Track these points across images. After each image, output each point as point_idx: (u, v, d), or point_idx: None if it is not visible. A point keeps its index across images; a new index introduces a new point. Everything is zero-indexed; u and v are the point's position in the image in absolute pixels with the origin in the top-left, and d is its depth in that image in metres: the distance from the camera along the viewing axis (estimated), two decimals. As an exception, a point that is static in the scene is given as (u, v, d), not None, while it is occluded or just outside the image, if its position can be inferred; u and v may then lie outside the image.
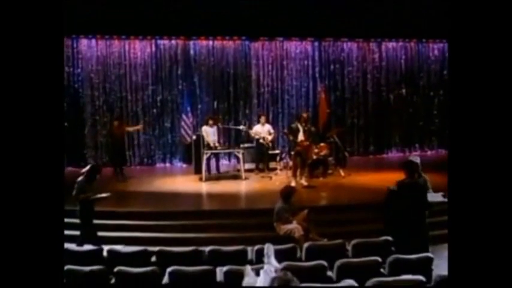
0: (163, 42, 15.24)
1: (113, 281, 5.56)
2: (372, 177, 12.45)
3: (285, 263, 5.45)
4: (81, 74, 14.71)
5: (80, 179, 8.12)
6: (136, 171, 14.50)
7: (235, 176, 12.71)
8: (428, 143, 16.92)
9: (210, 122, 13.00)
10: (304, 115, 11.92)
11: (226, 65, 15.62)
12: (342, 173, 12.59)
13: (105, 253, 6.41)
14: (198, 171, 12.83)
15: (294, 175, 11.55)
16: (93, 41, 14.78)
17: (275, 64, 16.02)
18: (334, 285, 4.69)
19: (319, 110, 15.22)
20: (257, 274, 4.42)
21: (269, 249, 4.93)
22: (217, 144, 12.82)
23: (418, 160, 8.19)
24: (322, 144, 12.78)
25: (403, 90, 16.73)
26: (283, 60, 16.07)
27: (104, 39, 14.81)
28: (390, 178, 12.27)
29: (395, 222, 7.49)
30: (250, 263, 5.93)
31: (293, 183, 11.22)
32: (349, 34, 16.03)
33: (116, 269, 5.48)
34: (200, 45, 15.48)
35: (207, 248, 6.31)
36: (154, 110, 15.24)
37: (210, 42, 15.51)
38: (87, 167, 8.46)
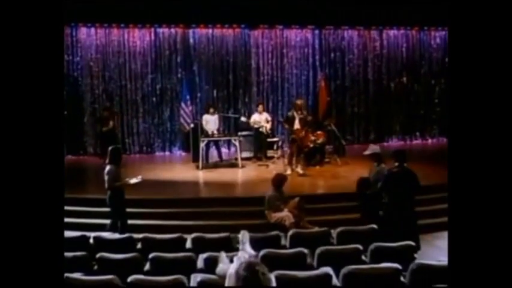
0: (163, 31, 15.21)
1: (95, 267, 5.62)
2: (370, 165, 12.38)
3: (265, 251, 5.49)
4: (80, 63, 14.74)
5: (108, 168, 7.87)
6: (135, 159, 14.59)
7: (232, 164, 12.74)
8: (430, 131, 16.85)
9: (211, 110, 13.07)
10: (298, 102, 11.93)
11: (225, 54, 15.57)
12: (339, 162, 12.57)
13: (91, 240, 6.48)
14: (195, 159, 12.87)
15: (290, 163, 11.57)
16: (92, 29, 14.78)
17: (275, 52, 15.95)
18: (303, 272, 4.70)
19: (319, 98, 15.17)
20: (231, 261, 4.44)
21: (244, 236, 4.94)
22: (215, 132, 12.85)
23: (378, 150, 8.39)
24: (319, 132, 12.76)
25: (404, 79, 16.64)
26: (283, 49, 15.99)
27: (103, 28, 14.81)
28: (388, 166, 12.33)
29: (386, 210, 7.53)
30: (235, 249, 5.98)
31: (288, 172, 11.26)
32: (350, 22, 15.93)
33: (97, 255, 5.54)
34: (200, 33, 15.44)
35: (191, 235, 6.36)
36: (154, 99, 15.26)
37: (210, 31, 15.46)
38: (109, 153, 8.10)
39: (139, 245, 6.38)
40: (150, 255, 5.48)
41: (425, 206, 9.31)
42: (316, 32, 16.16)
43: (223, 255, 4.67)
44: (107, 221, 8.67)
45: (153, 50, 15.15)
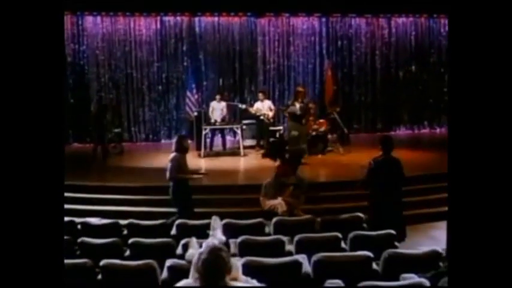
0: (169, 19, 15.24)
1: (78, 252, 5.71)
2: (373, 154, 12.30)
3: (243, 237, 5.52)
4: (86, 51, 14.87)
5: (172, 156, 7.52)
6: (141, 147, 14.74)
7: (234, 153, 12.77)
8: (438, 121, 16.62)
9: (217, 97, 13.11)
10: (300, 89, 11.90)
11: (231, 42, 15.57)
12: (341, 150, 12.51)
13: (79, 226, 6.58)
14: (199, 147, 12.91)
15: (290, 151, 11.55)
16: (98, 18, 14.87)
17: (281, 40, 15.89)
18: (273, 258, 4.71)
19: (325, 87, 15.11)
20: (201, 246, 4.48)
21: (215, 221, 5.00)
22: (218, 120, 12.86)
23: (297, 111, 8.59)
24: (321, 120, 12.74)
25: (413, 67, 16.44)
26: (289, 37, 15.92)
27: (109, 16, 14.90)
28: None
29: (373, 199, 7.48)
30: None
31: (289, 160, 11.26)
32: (358, 10, 15.75)
33: (79, 240, 5.62)
34: (205, 21, 15.44)
35: (176, 222, 6.41)
36: (160, 87, 15.35)
37: (216, 19, 15.45)
38: (175, 140, 7.83)
39: (125, 231, 6.46)
40: (130, 241, 5.55)
41: (430, 195, 9.28)
42: (323, 20, 16.04)
43: (193, 240, 4.73)
44: (111, 208, 8.78)
45: (158, 38, 15.20)
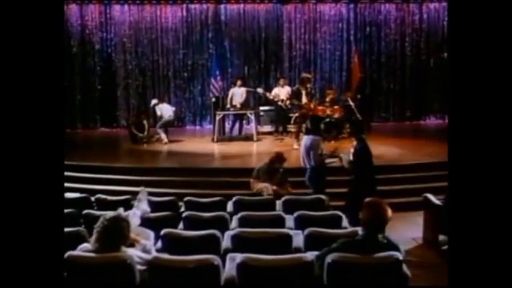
0: (194, 7, 15.51)
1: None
2: (389, 143, 12.09)
3: (187, 213, 5.67)
4: (114, 39, 15.41)
5: (315, 141, 7.64)
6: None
7: (248, 138, 12.89)
8: (470, 110, 15.96)
9: (239, 83, 13.27)
10: (308, 76, 11.83)
11: (257, 29, 15.65)
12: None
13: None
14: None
15: (297, 138, 11.53)
16: (126, 6, 15.37)
17: (308, 27, 15.80)
18: (194, 231, 4.81)
19: (352, 74, 14.90)
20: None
21: (142, 194, 5.17)
22: (238, 106, 13.01)
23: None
24: (335, 107, 12.60)
25: (445, 54, 15.83)
26: (316, 23, 15.80)
27: (135, 5, 15.36)
28: (407, 144, 11.92)
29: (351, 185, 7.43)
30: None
31: (295, 146, 11.25)
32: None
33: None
34: (231, 8, 15.60)
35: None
36: (185, 74, 15.68)
37: (241, 6, 15.59)
38: (310, 121, 8.04)
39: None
40: (84, 212, 5.82)
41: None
42: (351, 6, 15.78)
43: (120, 211, 4.92)
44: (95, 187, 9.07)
45: (184, 25, 15.52)
